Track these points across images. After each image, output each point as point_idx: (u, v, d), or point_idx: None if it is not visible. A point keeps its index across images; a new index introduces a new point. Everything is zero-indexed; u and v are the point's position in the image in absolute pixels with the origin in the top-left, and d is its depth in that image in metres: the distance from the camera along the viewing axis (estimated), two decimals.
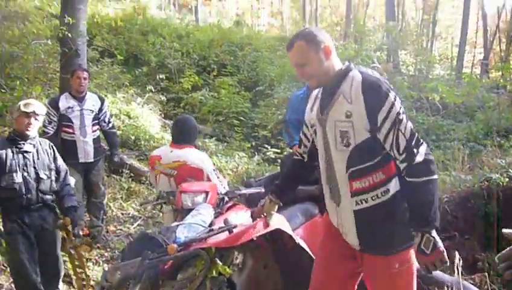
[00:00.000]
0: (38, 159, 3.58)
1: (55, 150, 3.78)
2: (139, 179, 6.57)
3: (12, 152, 3.48)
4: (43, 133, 4.64)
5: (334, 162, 2.19)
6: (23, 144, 3.53)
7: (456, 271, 2.75)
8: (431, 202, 1.98)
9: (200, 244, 2.47)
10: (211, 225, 2.73)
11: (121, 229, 5.54)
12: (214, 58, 11.73)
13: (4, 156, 3.43)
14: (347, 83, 2.11)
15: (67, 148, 4.80)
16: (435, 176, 2.00)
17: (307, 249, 2.81)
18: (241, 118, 9.48)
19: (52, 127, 4.88)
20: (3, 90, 7.38)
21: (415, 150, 2.00)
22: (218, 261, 2.38)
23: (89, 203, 5.14)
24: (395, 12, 17.28)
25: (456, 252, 2.86)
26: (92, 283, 4.00)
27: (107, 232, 5.36)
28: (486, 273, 3.49)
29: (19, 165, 3.47)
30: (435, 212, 2.00)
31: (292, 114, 4.42)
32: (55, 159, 3.73)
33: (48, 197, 3.61)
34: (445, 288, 3.12)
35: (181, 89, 10.41)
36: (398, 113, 2.01)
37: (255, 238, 2.65)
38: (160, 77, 10.62)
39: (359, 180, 2.12)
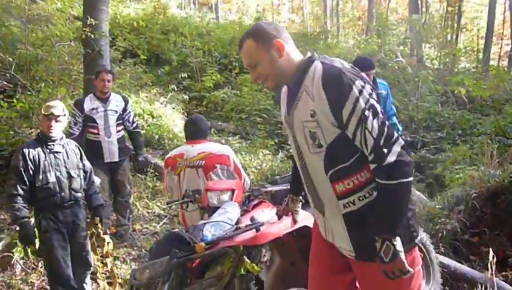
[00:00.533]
0: (68, 158, 3.74)
1: (81, 150, 3.92)
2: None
3: (44, 153, 3.64)
4: (69, 134, 4.72)
5: (311, 166, 2.00)
6: (53, 144, 3.69)
7: (489, 269, 2.69)
8: (397, 207, 1.80)
9: (227, 242, 2.46)
10: (237, 223, 2.72)
11: (147, 228, 5.59)
12: (235, 56, 11.72)
13: (37, 157, 3.60)
14: (309, 77, 1.89)
15: (92, 149, 4.88)
16: (407, 179, 1.77)
17: None
18: (264, 115, 9.46)
19: (78, 128, 4.96)
20: (29, 93, 7.53)
21: (384, 150, 1.77)
22: (246, 259, 2.36)
23: (115, 202, 5.21)
24: (418, 5, 17.00)
25: (490, 250, 2.79)
26: (119, 280, 4.05)
27: (134, 230, 5.42)
28: None
29: (51, 165, 3.63)
30: (400, 219, 1.81)
31: None
32: (82, 158, 3.88)
33: (79, 194, 3.79)
34: (479, 286, 3.04)
35: (203, 87, 10.45)
36: (364, 109, 1.78)
37: (281, 236, 2.63)
38: (182, 76, 10.69)
39: (342, 182, 1.91)
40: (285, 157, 7.51)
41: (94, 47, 6.02)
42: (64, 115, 3.72)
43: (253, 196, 3.11)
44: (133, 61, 10.40)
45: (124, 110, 5.17)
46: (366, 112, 1.78)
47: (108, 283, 4.04)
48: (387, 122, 1.81)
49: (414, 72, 10.48)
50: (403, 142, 1.80)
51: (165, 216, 5.80)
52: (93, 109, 4.97)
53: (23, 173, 3.53)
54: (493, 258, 2.69)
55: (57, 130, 3.69)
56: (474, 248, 4.28)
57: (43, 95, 7.07)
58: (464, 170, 5.67)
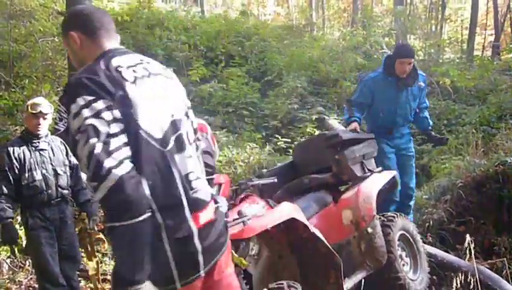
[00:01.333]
0: (54, 156, 3.72)
1: (67, 147, 3.88)
2: None
3: (29, 151, 3.62)
4: (54, 130, 4.66)
5: None
6: (38, 142, 3.67)
7: (468, 255, 2.72)
8: (120, 255, 1.48)
9: None
10: (225, 216, 2.72)
11: None
12: (221, 50, 11.67)
13: (23, 155, 3.57)
14: None
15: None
16: (120, 223, 1.42)
17: (322, 238, 2.80)
18: (251, 109, 9.44)
19: (64, 124, 4.90)
20: (12, 90, 7.43)
21: (94, 184, 1.43)
22: (234, 253, 2.36)
23: None
24: None
25: (467, 236, 2.83)
26: (108, 277, 4.03)
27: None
28: (504, 258, 3.43)
29: (37, 163, 3.61)
30: (127, 268, 1.45)
31: (358, 97, 4.67)
32: (67, 155, 3.85)
33: (66, 191, 3.77)
34: (460, 273, 3.08)
35: (189, 81, 10.39)
36: (76, 131, 1.47)
37: (269, 229, 2.64)
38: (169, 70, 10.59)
39: None
40: (273, 151, 7.52)
41: None
42: (51, 113, 3.72)
43: (240, 190, 3.10)
44: None
45: None
46: (78, 136, 1.47)
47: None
48: (103, 152, 1.44)
49: None
50: (120, 175, 1.42)
51: None
52: None
53: (8, 172, 3.50)
54: (471, 244, 2.71)
55: (44, 128, 3.69)
56: (461, 237, 4.33)
57: (27, 92, 7.00)
58: (450, 160, 5.74)
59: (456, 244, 4.33)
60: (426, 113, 4.83)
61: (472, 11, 15.20)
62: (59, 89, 7.75)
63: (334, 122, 8.42)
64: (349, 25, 17.72)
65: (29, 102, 3.70)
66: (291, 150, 7.37)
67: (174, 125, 1.67)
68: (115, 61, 1.60)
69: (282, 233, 2.86)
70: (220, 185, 3.14)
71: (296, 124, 8.69)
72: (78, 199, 3.89)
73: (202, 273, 1.65)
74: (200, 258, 1.63)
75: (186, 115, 1.80)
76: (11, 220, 3.53)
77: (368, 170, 3.71)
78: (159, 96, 1.66)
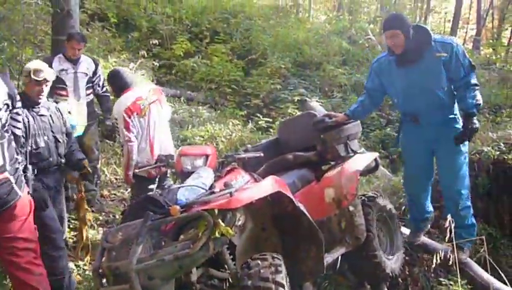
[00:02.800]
0: (53, 122, 3.59)
1: (62, 112, 3.76)
2: None
3: (32, 116, 3.44)
4: None
5: None
6: (39, 108, 3.50)
7: (448, 235, 2.82)
8: None
9: (201, 206, 2.48)
10: (211, 187, 2.75)
11: (114, 194, 5.55)
12: (206, 25, 11.51)
13: (27, 120, 3.37)
14: None
15: None
16: None
17: (306, 213, 2.85)
18: (234, 86, 9.41)
19: None
20: None
21: None
22: (221, 223, 2.39)
23: None
24: None
25: (449, 216, 2.93)
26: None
27: (102, 196, 5.36)
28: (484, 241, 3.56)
29: (40, 129, 3.46)
30: None
31: (368, 82, 4.12)
32: (64, 121, 3.74)
33: (62, 160, 3.68)
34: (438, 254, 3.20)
35: (173, 55, 10.25)
36: None
37: (254, 201, 2.68)
38: (152, 42, 10.44)
39: None
40: (255, 129, 7.54)
41: (63, 6, 5.78)
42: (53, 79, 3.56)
43: (227, 162, 3.13)
44: (102, 25, 10.07)
45: (94, 73, 5.05)
46: None
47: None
48: None
49: (384, 50, 10.60)
50: None
51: None
52: (62, 70, 4.82)
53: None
54: (452, 223, 2.81)
55: (45, 94, 3.54)
56: (434, 222, 4.47)
57: (6, 55, 6.79)
58: None
59: (431, 227, 4.46)
60: (465, 91, 3.64)
61: (456, 5, 15.39)
62: (40, 55, 7.58)
63: (316, 105, 8.50)
64: (335, 10, 17.71)
65: (31, 67, 3.44)
66: (272, 130, 7.42)
67: None
68: None
69: (267, 206, 2.90)
70: (207, 156, 3.16)
71: (277, 105, 8.72)
72: (74, 158, 3.76)
73: None
74: None
75: None
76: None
77: (352, 150, 3.77)
78: None
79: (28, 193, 2.88)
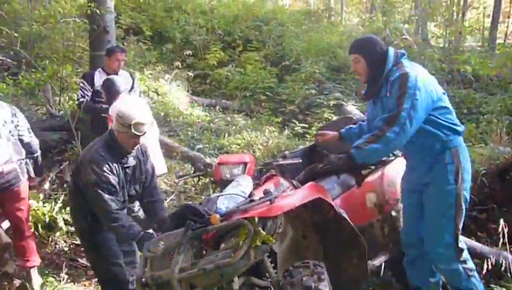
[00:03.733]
0: (135, 174, 3.23)
1: (147, 155, 3.38)
2: (170, 155, 6.61)
3: (120, 168, 3.12)
4: (78, 105, 4.91)
5: None
6: (127, 158, 3.15)
7: (501, 240, 2.69)
8: None
9: (242, 214, 2.47)
10: (250, 195, 2.73)
11: None
12: (239, 34, 11.63)
13: (116, 171, 3.05)
14: None
15: (99, 125, 4.83)
16: None
17: (348, 219, 2.79)
18: (268, 94, 9.42)
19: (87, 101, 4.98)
20: (33, 70, 7.50)
21: None
22: (262, 231, 2.37)
23: None
24: None
25: (501, 221, 2.80)
26: None
27: None
28: None
29: (125, 182, 3.16)
30: None
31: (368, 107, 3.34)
32: (146, 165, 3.33)
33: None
34: (489, 259, 3.06)
35: (207, 65, 10.39)
36: None
37: (295, 209, 2.64)
38: (186, 53, 10.61)
39: None
40: (291, 135, 7.50)
41: (100, 23, 5.95)
42: None
43: (265, 170, 3.11)
44: (137, 38, 10.31)
45: (132, 87, 5.15)
46: None
47: None
48: None
49: (419, 50, 10.39)
50: None
51: (172, 192, 5.81)
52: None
53: (116, 188, 3.03)
54: (505, 228, 2.68)
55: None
56: (482, 225, 4.30)
57: (48, 72, 7.05)
58: (472, 148, 5.66)
59: (477, 231, 4.29)
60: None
61: None
62: (79, 71, 7.82)
63: (352, 108, 8.38)
64: (368, 11, 17.50)
65: (132, 119, 2.98)
66: (308, 136, 7.36)
67: None
68: None
69: (307, 213, 2.86)
70: (245, 164, 3.15)
71: (313, 110, 8.65)
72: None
73: None
74: None
75: None
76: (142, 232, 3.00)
77: (392, 154, 3.67)
78: None
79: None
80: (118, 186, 3.00)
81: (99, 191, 2.92)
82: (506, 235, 2.68)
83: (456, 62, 9.86)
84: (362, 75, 3.02)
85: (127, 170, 3.14)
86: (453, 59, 10.13)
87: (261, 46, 11.24)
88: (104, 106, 4.62)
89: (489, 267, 3.00)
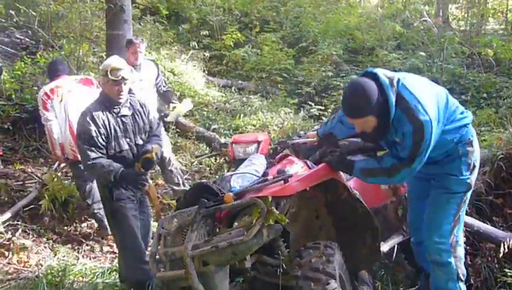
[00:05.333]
0: (135, 122, 3.42)
1: (146, 107, 3.58)
2: (185, 135, 6.66)
3: (113, 117, 3.30)
4: None
5: None
6: (119, 108, 3.33)
7: None
8: None
9: (255, 193, 2.48)
10: (264, 174, 2.74)
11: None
12: (256, 15, 11.51)
13: (107, 122, 3.25)
14: None
15: None
16: None
17: (361, 200, 2.78)
18: (285, 75, 9.35)
19: None
20: (51, 49, 7.56)
21: None
22: (275, 210, 2.37)
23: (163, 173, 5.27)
24: None
25: None
26: None
27: (156, 184, 5.49)
28: None
29: (121, 131, 3.31)
30: None
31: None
32: (148, 117, 3.53)
33: None
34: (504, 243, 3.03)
35: (223, 46, 10.33)
36: None
37: (308, 188, 2.64)
38: (203, 34, 10.57)
39: None
40: (307, 117, 7.46)
41: (116, 2, 5.94)
42: (131, 77, 3.48)
43: (280, 149, 3.10)
44: (153, 19, 10.29)
45: (157, 76, 5.14)
46: None
47: None
48: None
49: (439, 32, 10.16)
50: None
51: (187, 172, 5.85)
52: None
53: (97, 139, 3.19)
54: None
55: (126, 93, 3.35)
56: (498, 209, 4.25)
57: (65, 51, 7.10)
58: (491, 132, 5.57)
59: (493, 216, 4.24)
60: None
61: None
62: (96, 50, 7.86)
63: None
64: None
65: (108, 66, 3.24)
66: (324, 118, 7.30)
67: None
68: None
69: (320, 193, 2.86)
70: (258, 143, 3.15)
71: (329, 92, 8.57)
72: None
73: None
74: None
75: None
76: (121, 168, 3.19)
77: None
78: None
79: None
80: (101, 137, 3.20)
81: (79, 141, 3.23)
82: None
83: (477, 45, 9.64)
84: (369, 129, 2.65)
85: (124, 119, 3.35)
86: (473, 42, 9.91)
87: (278, 28, 11.12)
88: None
89: (505, 251, 2.97)
